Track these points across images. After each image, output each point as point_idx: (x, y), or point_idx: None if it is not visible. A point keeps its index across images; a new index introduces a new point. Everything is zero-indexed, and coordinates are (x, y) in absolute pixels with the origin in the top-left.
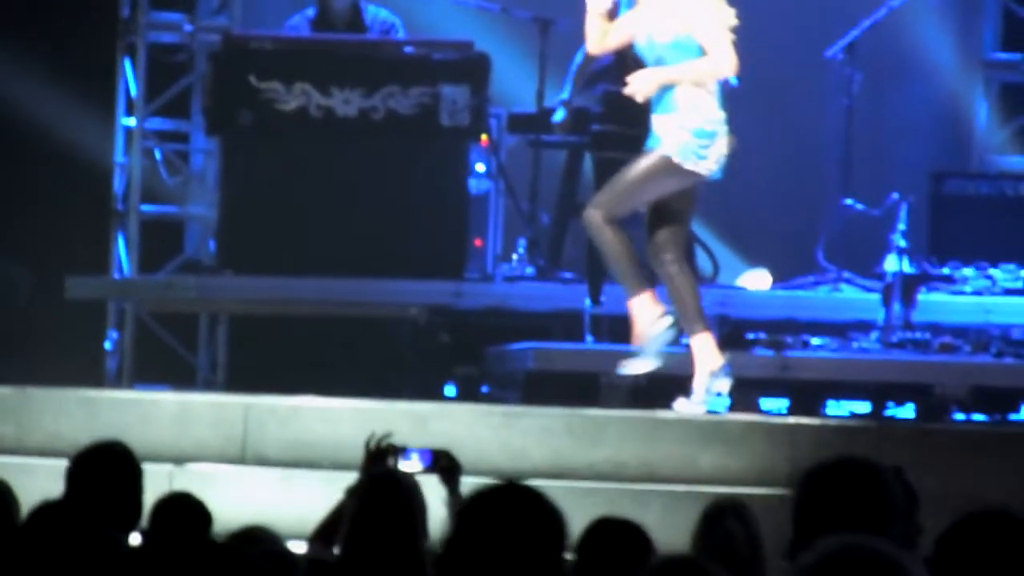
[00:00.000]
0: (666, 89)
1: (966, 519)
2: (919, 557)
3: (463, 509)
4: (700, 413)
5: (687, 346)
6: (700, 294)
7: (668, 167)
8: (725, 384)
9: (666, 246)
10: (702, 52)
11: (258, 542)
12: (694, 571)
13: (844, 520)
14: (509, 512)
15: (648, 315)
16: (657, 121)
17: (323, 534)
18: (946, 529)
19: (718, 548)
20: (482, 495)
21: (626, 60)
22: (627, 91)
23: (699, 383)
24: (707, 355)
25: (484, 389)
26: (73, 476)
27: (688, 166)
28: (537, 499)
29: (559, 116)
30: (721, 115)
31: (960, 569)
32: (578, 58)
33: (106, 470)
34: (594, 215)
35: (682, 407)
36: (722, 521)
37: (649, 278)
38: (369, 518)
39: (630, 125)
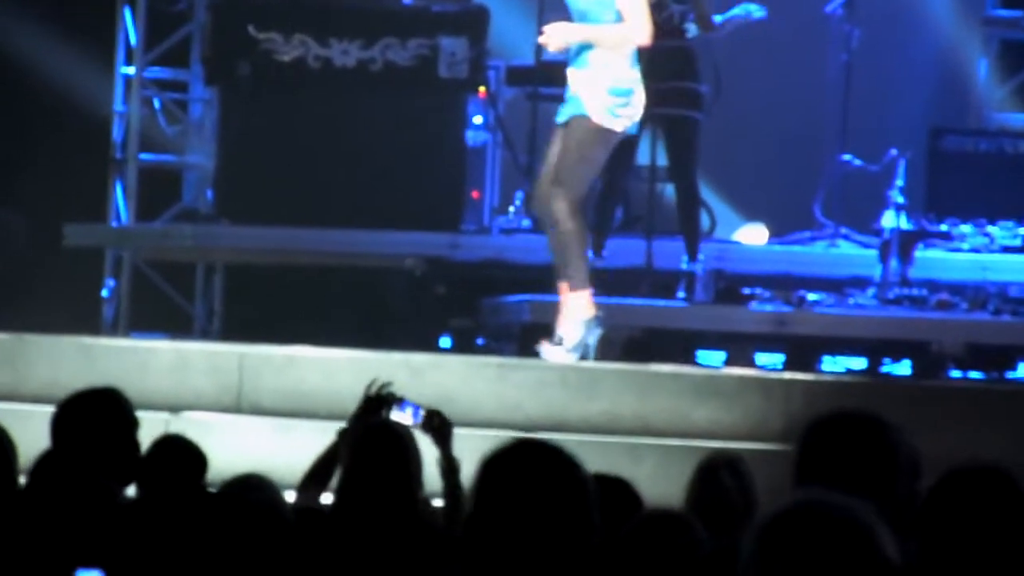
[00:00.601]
0: (584, 46)
1: (954, 474)
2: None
3: (486, 468)
4: (570, 361)
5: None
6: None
7: (598, 133)
8: (595, 335)
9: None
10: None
11: (255, 490)
12: (677, 525)
13: (846, 475)
14: (535, 470)
15: (583, 313)
16: (573, 75)
17: (313, 479)
18: (935, 484)
19: (711, 502)
20: (506, 453)
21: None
22: (540, 40)
23: (569, 330)
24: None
25: (479, 341)
26: (62, 423)
27: (607, 124)
28: (562, 457)
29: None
30: (635, 74)
31: (948, 525)
32: None
33: (98, 417)
34: (562, 205)
35: (549, 353)
36: (716, 475)
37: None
38: (363, 467)
39: (645, 79)
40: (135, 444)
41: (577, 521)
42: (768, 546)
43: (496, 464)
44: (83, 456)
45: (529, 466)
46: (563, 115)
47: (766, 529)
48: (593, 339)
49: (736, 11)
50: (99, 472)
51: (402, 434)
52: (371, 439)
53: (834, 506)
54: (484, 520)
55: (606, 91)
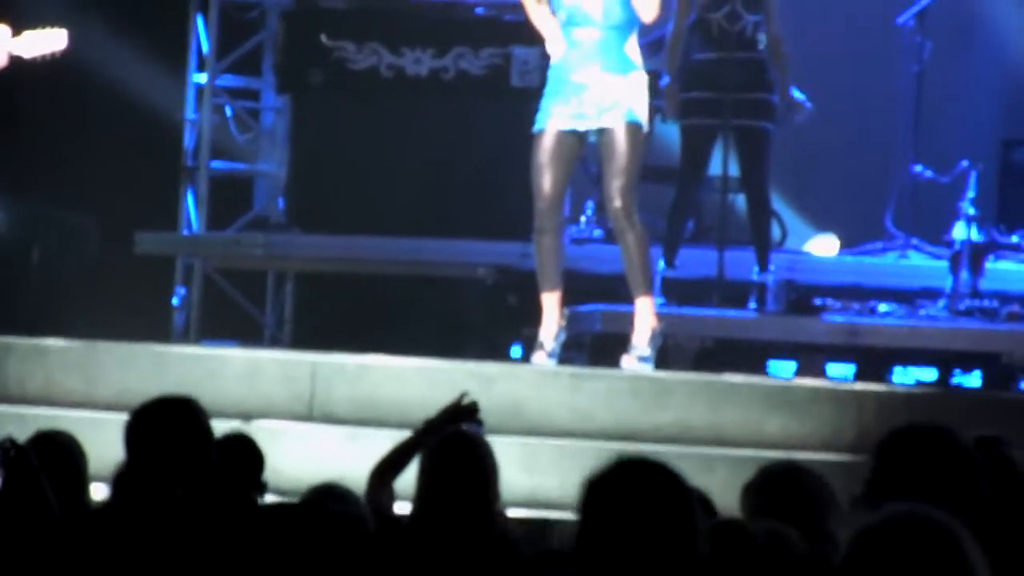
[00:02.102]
0: (618, 44)
1: (899, 432)
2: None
3: (592, 489)
4: (645, 370)
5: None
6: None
7: (644, 137)
8: (657, 345)
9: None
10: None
11: (336, 500)
12: (743, 535)
13: (922, 488)
14: (642, 488)
15: (655, 323)
16: (612, 81)
17: (386, 469)
18: (883, 439)
19: (769, 510)
20: (611, 472)
21: (709, 25)
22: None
23: (642, 339)
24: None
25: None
26: (137, 430)
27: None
28: (666, 473)
29: (664, 101)
30: None
31: (895, 483)
32: (669, 30)
33: (173, 425)
34: (634, 212)
35: (628, 364)
36: (772, 485)
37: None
38: (442, 477)
39: (715, 90)
40: (209, 454)
41: (685, 536)
42: (863, 558)
43: (602, 484)
44: (158, 465)
45: (636, 484)
46: (603, 121)
47: (860, 541)
48: (655, 350)
49: (796, 94)
50: (173, 481)
51: (480, 444)
52: (450, 448)
53: (928, 519)
54: (593, 541)
55: (648, 89)
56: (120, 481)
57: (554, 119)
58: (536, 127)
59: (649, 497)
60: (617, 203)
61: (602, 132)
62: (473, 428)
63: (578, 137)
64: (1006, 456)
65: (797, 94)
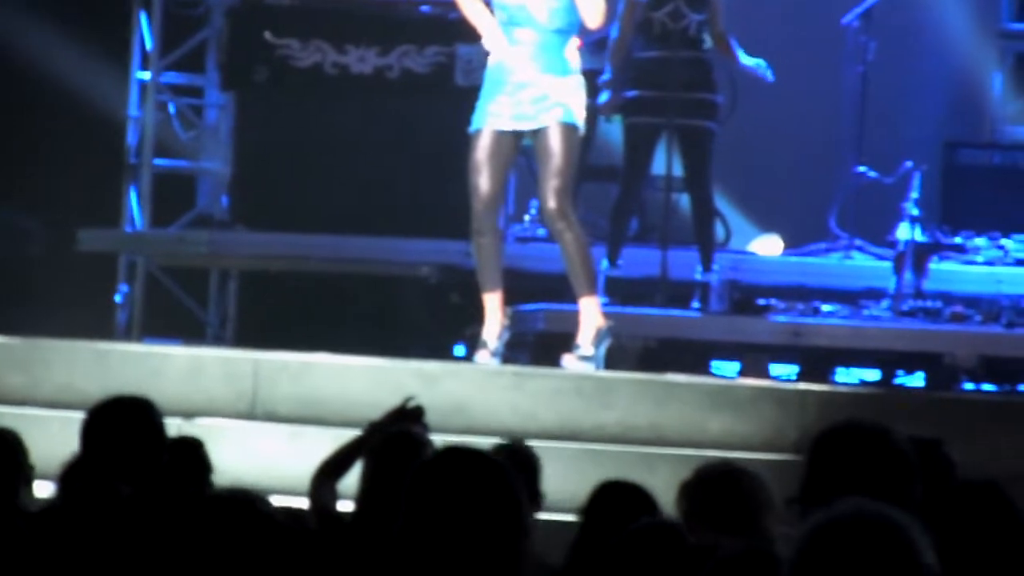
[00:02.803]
0: (558, 47)
1: (834, 430)
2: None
3: (411, 481)
4: (588, 370)
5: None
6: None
7: (580, 139)
8: (605, 345)
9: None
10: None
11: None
12: (672, 535)
13: (857, 484)
14: (457, 478)
15: (599, 322)
16: (551, 82)
17: (329, 469)
18: (818, 436)
19: (705, 511)
20: (427, 464)
21: (652, 24)
22: None
23: (585, 339)
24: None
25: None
26: (94, 428)
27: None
28: (484, 461)
29: (603, 98)
30: None
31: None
32: (613, 33)
33: (130, 424)
34: (561, 211)
35: (570, 364)
36: (707, 486)
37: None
38: (385, 477)
39: (659, 88)
40: (162, 454)
41: (508, 524)
42: (813, 555)
43: (423, 473)
44: (111, 463)
45: (455, 473)
46: (539, 121)
47: (811, 538)
48: (603, 350)
49: (754, 62)
50: (122, 480)
51: (424, 444)
52: (394, 448)
53: (879, 516)
54: (415, 529)
55: (584, 91)
56: (68, 478)
57: (491, 119)
58: (473, 127)
59: (466, 485)
60: (552, 204)
61: (537, 133)
62: (418, 431)
63: (515, 137)
64: (946, 458)
65: (751, 60)
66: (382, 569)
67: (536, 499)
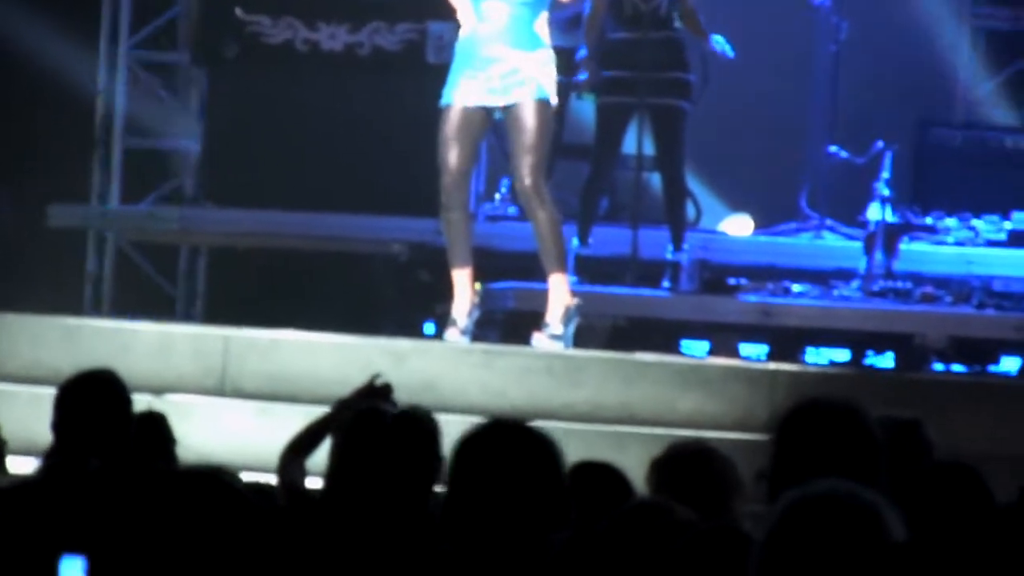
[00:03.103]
0: (528, 21)
1: (803, 407)
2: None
3: (459, 450)
4: (558, 348)
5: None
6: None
7: (552, 114)
8: (574, 324)
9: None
10: None
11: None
12: (662, 513)
13: (825, 462)
14: (506, 449)
15: (569, 301)
16: (522, 57)
17: (298, 447)
18: (787, 414)
19: (675, 488)
20: (477, 435)
21: (622, 5)
22: None
23: (554, 317)
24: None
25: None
26: (67, 403)
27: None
28: (530, 434)
29: (582, 76)
30: None
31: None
32: (586, 9)
33: (96, 398)
34: (545, 189)
35: (540, 342)
36: (678, 464)
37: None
38: (354, 453)
39: (630, 69)
40: (129, 428)
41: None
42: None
43: (470, 445)
44: (83, 438)
45: (502, 446)
46: (511, 96)
47: (783, 517)
48: (572, 328)
49: (714, 39)
50: (94, 453)
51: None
52: (363, 425)
53: (848, 494)
54: (462, 500)
55: (554, 67)
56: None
57: (461, 93)
58: (443, 101)
59: (513, 457)
60: (527, 181)
61: (509, 108)
62: (387, 408)
63: (485, 112)
64: (924, 439)
65: (718, 42)
66: (351, 545)
67: (437, 466)
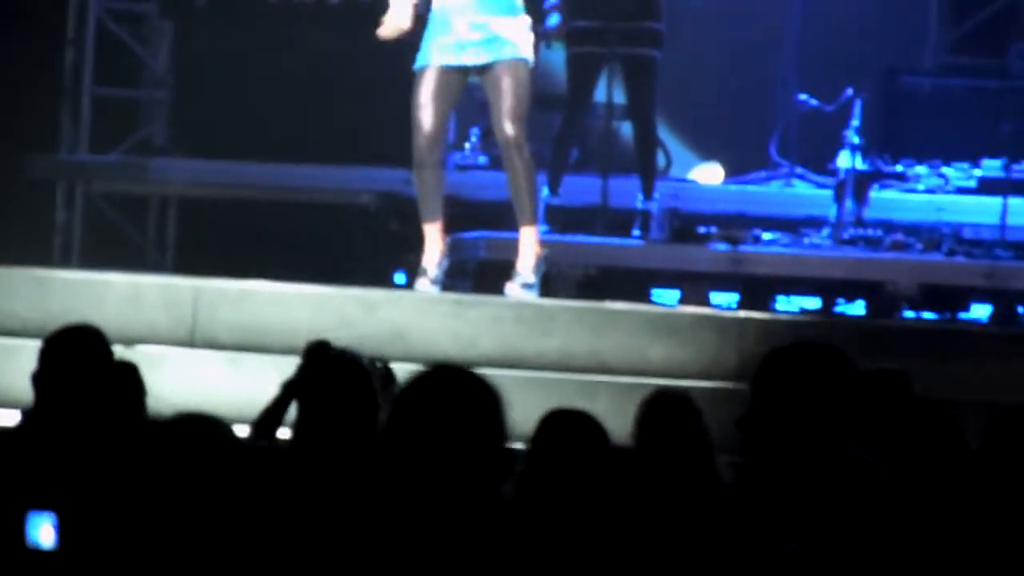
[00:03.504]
0: None
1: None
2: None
3: (401, 394)
4: (530, 298)
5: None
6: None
7: (530, 72)
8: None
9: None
10: None
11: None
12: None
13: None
14: (446, 393)
15: (539, 250)
16: (499, 22)
17: (261, 430)
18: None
19: (659, 439)
20: (419, 379)
21: None
22: None
23: (526, 267)
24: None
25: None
26: (47, 356)
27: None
28: (472, 379)
29: (554, 21)
30: None
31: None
32: None
33: (80, 352)
34: (517, 139)
35: (513, 292)
36: (662, 412)
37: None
38: (321, 401)
39: (601, 19)
40: (109, 381)
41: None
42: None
43: (410, 390)
44: (65, 392)
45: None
46: (489, 56)
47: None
48: (539, 278)
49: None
50: (76, 408)
51: (360, 362)
52: (330, 371)
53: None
54: (398, 446)
55: (530, 30)
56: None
57: (437, 55)
58: (418, 64)
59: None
60: (509, 132)
61: (488, 68)
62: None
63: (462, 74)
64: (909, 390)
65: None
66: (321, 493)
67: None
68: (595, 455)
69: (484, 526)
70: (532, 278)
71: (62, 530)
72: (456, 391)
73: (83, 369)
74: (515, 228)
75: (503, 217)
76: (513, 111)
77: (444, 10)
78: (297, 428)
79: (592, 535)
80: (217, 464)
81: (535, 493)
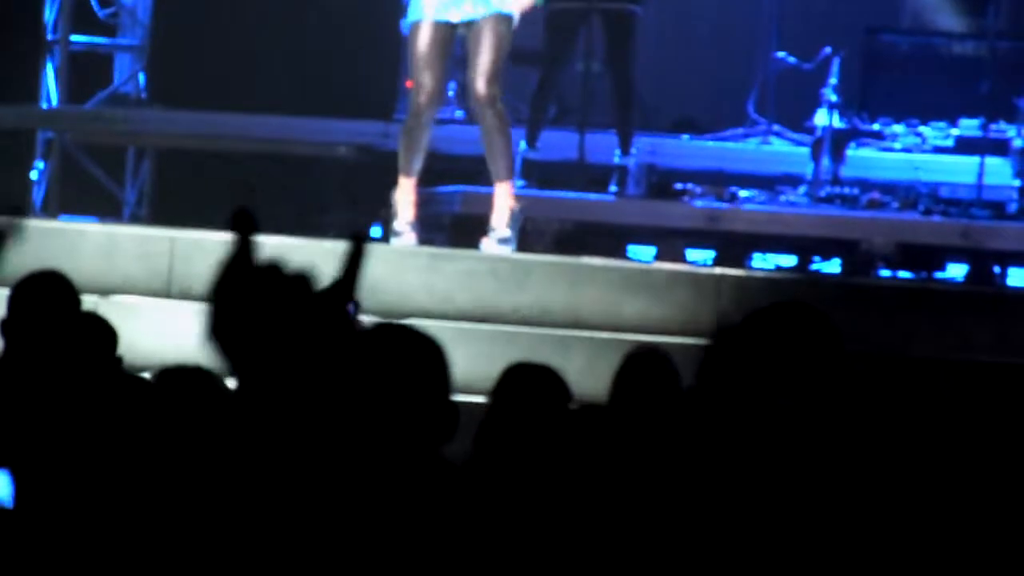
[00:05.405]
0: None
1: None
2: None
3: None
4: (506, 252)
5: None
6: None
7: (511, 28)
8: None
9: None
10: None
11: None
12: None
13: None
14: (382, 350)
15: (513, 204)
16: None
17: None
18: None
19: (636, 395)
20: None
21: None
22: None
23: (501, 221)
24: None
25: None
26: (15, 303)
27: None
28: (413, 336)
29: None
30: None
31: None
32: None
33: (45, 298)
34: (491, 97)
35: (488, 247)
36: (641, 368)
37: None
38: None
39: None
40: (77, 329)
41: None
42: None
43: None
44: (35, 340)
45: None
46: (476, 11)
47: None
48: (515, 231)
49: None
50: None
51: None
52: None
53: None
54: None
55: None
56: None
57: (428, 9)
58: (410, 18)
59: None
60: (483, 90)
61: (472, 24)
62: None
63: (451, 28)
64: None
65: None
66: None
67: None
68: (555, 410)
69: (425, 486)
70: (507, 232)
71: (18, 487)
72: (392, 347)
73: (50, 316)
74: (491, 183)
75: (479, 171)
76: (489, 69)
77: None
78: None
79: (549, 493)
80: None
81: (493, 447)
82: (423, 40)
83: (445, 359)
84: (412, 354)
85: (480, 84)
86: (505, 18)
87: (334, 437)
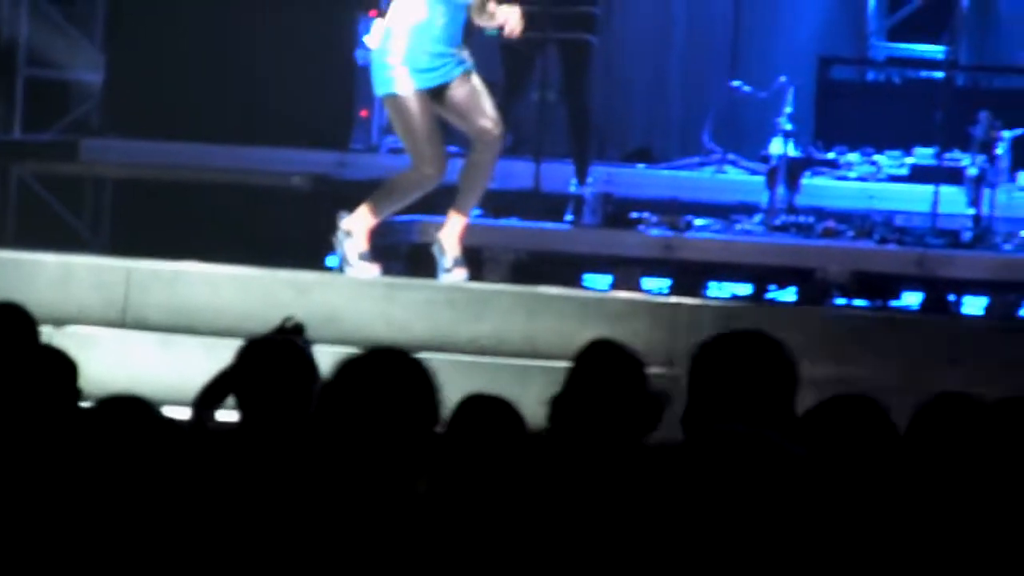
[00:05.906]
0: (464, 21)
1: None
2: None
3: (335, 374)
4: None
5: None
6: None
7: None
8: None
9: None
10: None
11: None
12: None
13: (742, 390)
14: (379, 375)
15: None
16: (458, 50)
17: (207, 398)
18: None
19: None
20: (353, 361)
21: None
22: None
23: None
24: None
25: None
26: None
27: None
28: (408, 362)
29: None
30: None
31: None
32: None
33: (5, 330)
34: (502, 137)
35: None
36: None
37: None
38: (267, 379)
39: (536, 3)
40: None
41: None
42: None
43: (343, 371)
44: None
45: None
46: (451, 75)
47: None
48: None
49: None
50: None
51: (302, 347)
52: (270, 351)
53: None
54: (328, 423)
55: None
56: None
57: (407, 82)
58: (400, 91)
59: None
60: (496, 130)
61: (447, 85)
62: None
63: (431, 92)
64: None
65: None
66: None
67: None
68: (509, 441)
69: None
70: (459, 255)
71: None
72: (389, 374)
73: (8, 347)
74: (447, 213)
75: (436, 201)
76: (493, 111)
77: (419, 34)
78: (242, 405)
79: (505, 521)
80: (147, 445)
81: (447, 480)
82: (416, 114)
83: (436, 387)
84: (408, 381)
85: (491, 125)
86: (471, 69)
87: (310, 467)
